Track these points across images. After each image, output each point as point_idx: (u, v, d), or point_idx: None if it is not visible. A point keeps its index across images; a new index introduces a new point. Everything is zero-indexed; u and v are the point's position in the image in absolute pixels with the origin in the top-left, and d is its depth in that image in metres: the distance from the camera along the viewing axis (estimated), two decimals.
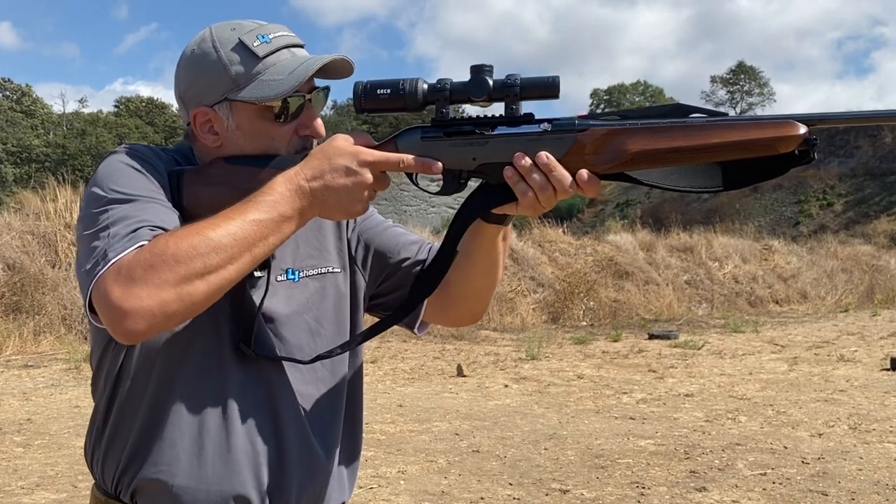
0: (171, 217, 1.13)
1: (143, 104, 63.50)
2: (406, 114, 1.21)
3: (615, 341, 11.13)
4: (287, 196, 1.10)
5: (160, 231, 1.08)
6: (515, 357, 9.53)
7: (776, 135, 1.05)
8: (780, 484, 4.57)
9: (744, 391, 7.44)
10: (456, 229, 1.20)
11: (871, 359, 9.47)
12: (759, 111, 53.10)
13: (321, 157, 1.12)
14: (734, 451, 5.26)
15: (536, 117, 1.14)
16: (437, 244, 1.32)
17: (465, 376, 8.27)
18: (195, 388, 1.21)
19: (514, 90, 1.12)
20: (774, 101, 61.06)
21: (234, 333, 1.23)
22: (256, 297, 1.22)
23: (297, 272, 1.30)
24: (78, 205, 11.32)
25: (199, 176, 1.22)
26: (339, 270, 1.36)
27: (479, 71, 1.13)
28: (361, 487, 4.45)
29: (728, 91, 61.16)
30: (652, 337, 11.44)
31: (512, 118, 1.14)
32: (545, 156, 1.10)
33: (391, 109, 1.16)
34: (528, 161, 1.10)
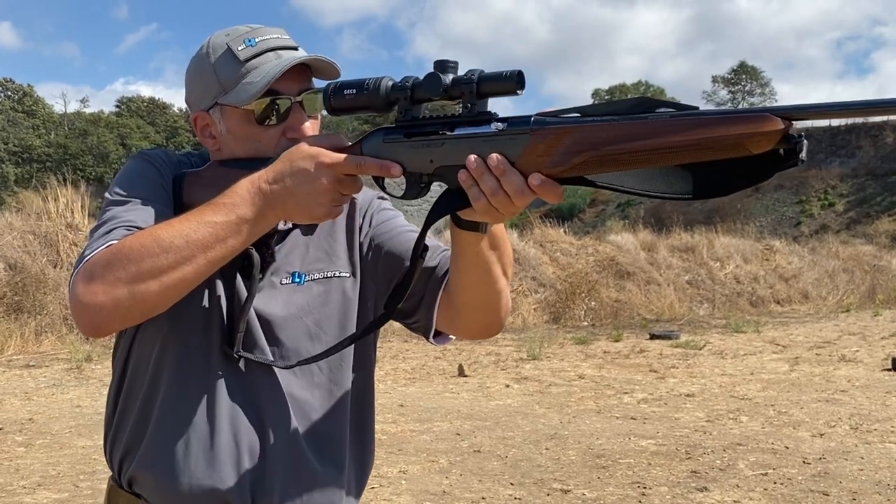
0: (158, 219, 1.15)
1: (145, 104, 63.58)
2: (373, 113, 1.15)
3: (616, 341, 11.13)
4: (247, 198, 1.09)
5: (136, 231, 1.12)
6: (517, 357, 9.53)
7: (745, 131, 0.88)
8: (782, 484, 4.57)
9: (745, 391, 7.44)
10: (420, 235, 1.16)
11: (873, 359, 9.47)
12: None
13: (284, 160, 1.10)
14: (735, 452, 5.26)
15: (501, 115, 1.04)
16: (450, 251, 1.24)
17: (466, 376, 8.27)
18: (184, 385, 1.23)
19: (471, 87, 1.03)
20: (776, 100, 61.16)
21: (223, 334, 1.24)
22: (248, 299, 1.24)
23: (303, 276, 1.29)
24: (79, 204, 11.35)
25: (197, 179, 1.24)
26: (347, 275, 1.33)
27: (440, 67, 1.05)
28: None
29: (729, 91, 61.22)
30: (653, 337, 11.44)
31: (473, 117, 1.05)
32: (496, 157, 0.99)
33: (358, 109, 1.12)
34: (479, 163, 1.01)
